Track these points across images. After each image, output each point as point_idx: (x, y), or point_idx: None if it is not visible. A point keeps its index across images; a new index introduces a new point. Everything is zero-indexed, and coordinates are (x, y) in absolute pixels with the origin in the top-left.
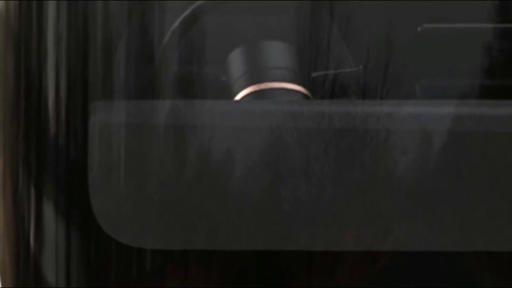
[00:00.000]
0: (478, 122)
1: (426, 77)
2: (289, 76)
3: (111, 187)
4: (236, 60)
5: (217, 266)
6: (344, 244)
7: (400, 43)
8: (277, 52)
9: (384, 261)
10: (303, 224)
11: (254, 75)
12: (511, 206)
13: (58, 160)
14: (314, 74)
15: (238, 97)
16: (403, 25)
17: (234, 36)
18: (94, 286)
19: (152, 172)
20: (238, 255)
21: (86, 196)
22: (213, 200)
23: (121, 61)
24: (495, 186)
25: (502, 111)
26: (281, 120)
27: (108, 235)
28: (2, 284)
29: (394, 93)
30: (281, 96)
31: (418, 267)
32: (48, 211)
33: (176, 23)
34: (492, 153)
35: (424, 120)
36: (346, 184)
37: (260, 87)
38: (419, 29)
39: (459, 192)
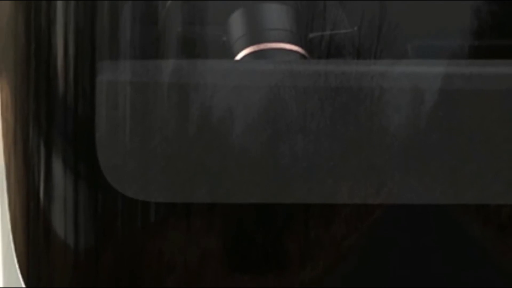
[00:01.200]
0: (468, 80)
1: (418, 38)
2: (287, 37)
3: (117, 143)
4: (236, 22)
5: (218, 218)
6: (340, 197)
7: (393, 5)
8: (276, 14)
9: (378, 214)
10: (301, 178)
11: (253, 36)
12: (499, 161)
13: (67, 117)
14: (311, 35)
15: (239, 57)
16: None
17: None
18: (100, 236)
19: (156, 128)
20: (238, 207)
21: (93, 151)
22: (214, 155)
23: (127, 22)
24: (484, 141)
25: (491, 70)
26: (279, 79)
27: (114, 189)
28: (13, 235)
29: (388, 53)
30: (279, 56)
31: (410, 220)
32: (57, 166)
33: None
34: (481, 110)
35: (416, 78)
36: (342, 139)
37: (260, 47)
38: None
39: (450, 148)
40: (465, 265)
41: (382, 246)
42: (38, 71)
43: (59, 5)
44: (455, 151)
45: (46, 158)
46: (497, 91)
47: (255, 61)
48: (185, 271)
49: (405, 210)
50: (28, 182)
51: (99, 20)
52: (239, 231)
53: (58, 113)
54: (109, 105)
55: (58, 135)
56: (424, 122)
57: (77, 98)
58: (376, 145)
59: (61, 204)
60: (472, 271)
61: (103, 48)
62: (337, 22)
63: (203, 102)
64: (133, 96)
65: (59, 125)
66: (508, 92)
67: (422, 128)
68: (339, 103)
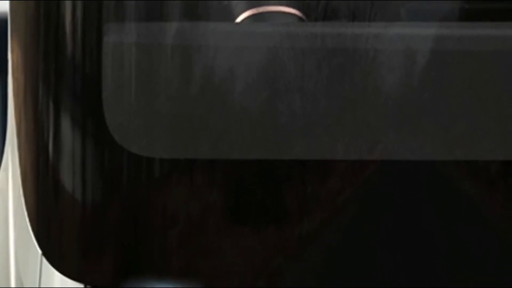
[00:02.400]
0: (459, 42)
1: (411, 1)
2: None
3: (123, 102)
4: None
5: (219, 173)
6: (336, 154)
7: None
8: None
9: (373, 169)
10: (298, 135)
11: None
12: (489, 120)
13: (75, 77)
14: None
15: (239, 19)
16: None
17: None
18: (106, 191)
19: (160, 87)
20: (238, 163)
21: (100, 110)
22: (215, 113)
23: None
24: (474, 101)
25: (482, 32)
26: (278, 41)
27: (120, 145)
28: (24, 190)
29: (382, 15)
30: (278, 18)
31: (404, 175)
32: (66, 124)
33: None
34: (472, 71)
35: (409, 40)
36: (338, 98)
37: (259, 10)
38: None
39: (442, 106)
40: (455, 219)
41: (376, 199)
42: (48, 33)
43: None
44: (447, 110)
45: (55, 116)
46: (488, 52)
47: (254, 23)
48: (188, 224)
49: (398, 166)
50: (38, 140)
51: None
52: (239, 186)
53: (66, 73)
54: (115, 65)
55: (67, 94)
56: (417, 82)
57: (84, 58)
58: (371, 104)
59: (69, 160)
60: (462, 225)
61: (109, 10)
62: None
63: (205, 63)
64: (138, 57)
65: (67, 85)
66: (499, 53)
67: (415, 87)
68: (335, 63)
